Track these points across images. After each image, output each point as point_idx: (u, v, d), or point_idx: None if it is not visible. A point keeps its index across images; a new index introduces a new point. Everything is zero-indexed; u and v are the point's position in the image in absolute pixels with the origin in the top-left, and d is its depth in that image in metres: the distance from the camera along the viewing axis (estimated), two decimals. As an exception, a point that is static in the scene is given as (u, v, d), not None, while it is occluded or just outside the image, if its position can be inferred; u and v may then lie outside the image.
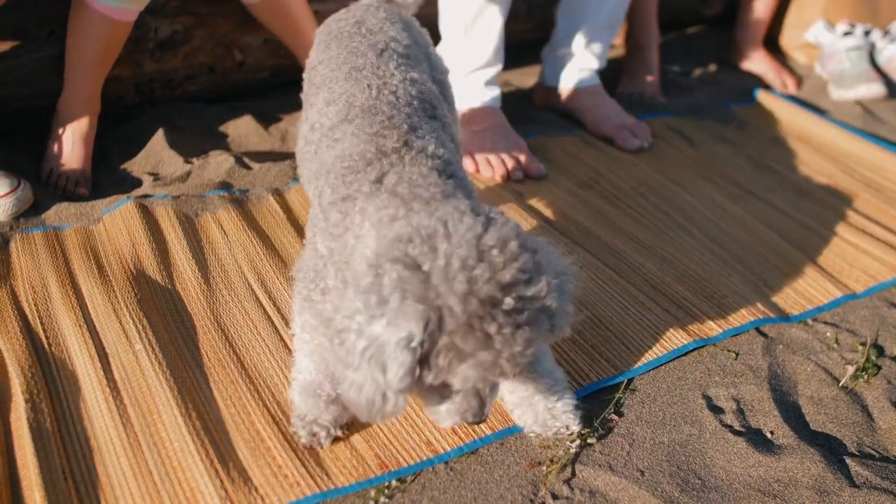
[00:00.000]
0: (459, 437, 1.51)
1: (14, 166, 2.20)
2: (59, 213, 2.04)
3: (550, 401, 1.53)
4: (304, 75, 1.79)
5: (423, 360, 1.16)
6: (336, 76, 1.60)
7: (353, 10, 1.81)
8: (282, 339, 1.71)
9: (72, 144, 2.22)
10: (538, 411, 1.53)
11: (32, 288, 1.77)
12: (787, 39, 3.48)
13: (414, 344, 1.14)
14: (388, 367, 1.15)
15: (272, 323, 1.74)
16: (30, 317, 1.70)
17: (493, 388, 1.27)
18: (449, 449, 1.49)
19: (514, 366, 1.17)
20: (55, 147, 2.23)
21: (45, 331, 1.67)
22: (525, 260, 1.17)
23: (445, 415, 1.27)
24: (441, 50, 2.56)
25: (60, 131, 2.24)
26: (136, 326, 1.67)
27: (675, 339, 1.79)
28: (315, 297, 1.39)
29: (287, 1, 2.43)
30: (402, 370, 1.15)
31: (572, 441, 1.53)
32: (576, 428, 1.54)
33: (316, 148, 1.51)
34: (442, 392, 1.25)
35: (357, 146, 1.39)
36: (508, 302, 1.14)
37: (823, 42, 3.25)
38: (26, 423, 1.45)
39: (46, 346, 1.64)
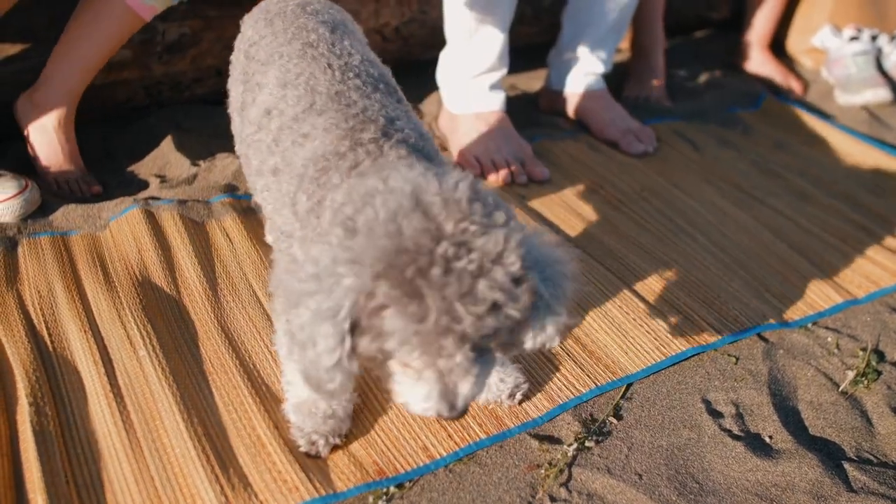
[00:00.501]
0: (455, 442, 1.52)
1: (23, 168, 2.23)
2: (67, 216, 2.06)
3: (500, 372, 1.58)
4: (238, 54, 1.71)
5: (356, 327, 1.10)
6: (287, 52, 1.52)
7: None
8: (284, 343, 1.72)
9: (62, 143, 2.22)
10: (491, 382, 1.57)
11: (38, 292, 1.79)
12: (793, 44, 3.48)
13: (342, 315, 1.08)
14: (317, 342, 1.11)
15: (274, 327, 1.76)
16: (35, 321, 1.72)
17: (464, 370, 1.14)
18: (445, 454, 1.50)
19: (475, 331, 1.07)
20: (41, 150, 2.22)
21: (50, 335, 1.69)
22: (476, 210, 1.09)
23: (410, 398, 1.18)
24: (446, 54, 2.58)
25: (41, 131, 2.22)
26: (141, 332, 1.69)
27: (675, 344, 1.80)
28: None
29: None
30: (329, 342, 1.10)
31: (570, 444, 1.54)
32: (524, 386, 1.60)
33: (275, 138, 1.42)
34: (406, 372, 1.16)
35: (330, 144, 1.32)
36: (445, 248, 1.05)
37: (830, 47, 3.25)
38: (30, 427, 1.46)
39: (51, 350, 1.65)
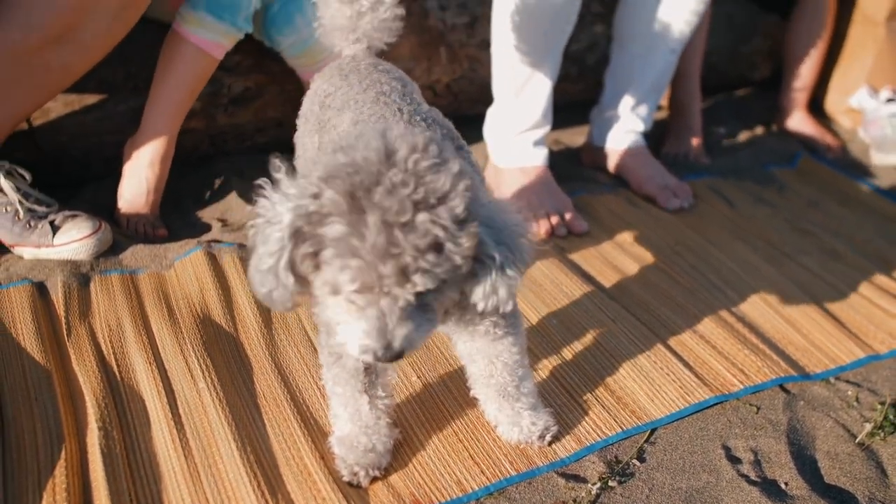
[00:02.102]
0: (487, 478, 1.64)
1: (99, 209, 2.40)
2: (135, 255, 2.22)
3: (532, 416, 1.71)
4: (311, 106, 1.77)
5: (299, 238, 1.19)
6: (362, 98, 1.60)
7: (360, 55, 1.84)
8: (331, 380, 1.86)
9: (145, 189, 2.37)
10: (523, 425, 1.70)
11: (108, 326, 1.95)
12: (832, 104, 3.57)
13: (285, 221, 1.18)
14: (258, 246, 1.22)
15: (323, 365, 1.90)
16: (105, 352, 1.87)
17: (405, 314, 1.20)
18: (478, 488, 1.62)
19: (414, 263, 1.13)
20: (127, 192, 2.38)
21: (118, 366, 1.84)
22: (432, 151, 1.17)
23: (350, 335, 1.23)
24: (493, 110, 2.73)
25: (131, 178, 2.38)
26: (201, 365, 1.84)
27: (699, 392, 1.90)
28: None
29: None
30: (269, 246, 1.20)
31: (594, 483, 1.65)
32: (554, 428, 1.73)
33: None
34: (349, 309, 1.22)
35: None
36: (393, 173, 1.13)
37: (866, 108, 3.34)
38: (98, 449, 1.61)
39: (119, 379, 1.80)
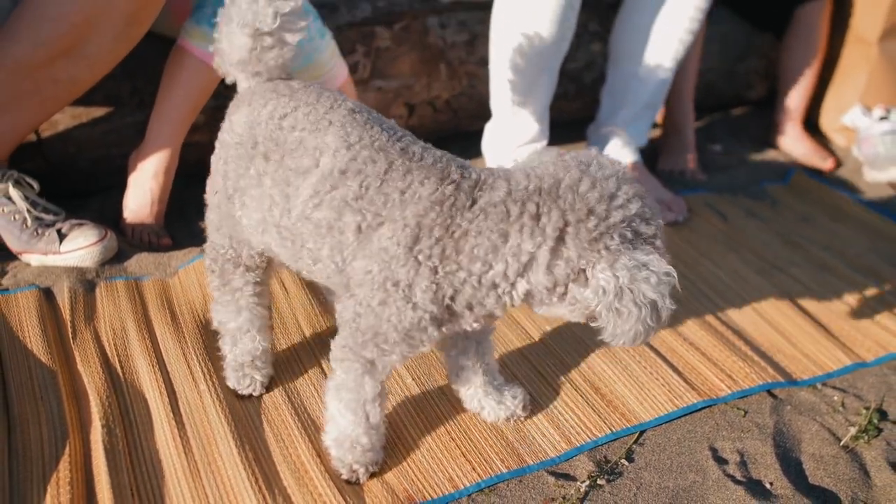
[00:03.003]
0: (478, 475, 1.69)
1: (106, 219, 2.47)
2: (140, 263, 2.27)
3: (509, 390, 1.85)
4: (249, 128, 1.68)
5: None
6: (338, 118, 1.61)
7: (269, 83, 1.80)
8: (329, 382, 1.91)
9: (149, 200, 2.43)
10: (507, 401, 1.83)
11: (113, 330, 2.00)
12: (826, 122, 3.63)
13: None
14: None
15: (322, 370, 1.95)
16: (109, 354, 1.93)
17: None
18: (469, 485, 1.66)
19: None
20: (132, 202, 2.44)
21: (122, 367, 1.90)
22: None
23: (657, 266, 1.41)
24: (491, 125, 2.79)
25: (137, 189, 2.44)
26: (202, 369, 1.89)
27: (688, 396, 1.94)
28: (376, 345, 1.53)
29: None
30: None
31: (583, 482, 1.70)
32: (526, 396, 1.87)
33: (358, 195, 1.52)
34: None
35: (434, 193, 1.48)
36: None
37: (860, 126, 3.40)
38: (101, 445, 1.66)
39: (123, 379, 1.86)
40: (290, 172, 1.58)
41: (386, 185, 1.48)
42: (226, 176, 1.72)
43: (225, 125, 1.76)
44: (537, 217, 1.39)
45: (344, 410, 1.63)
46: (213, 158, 1.79)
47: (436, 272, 1.44)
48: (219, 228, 1.78)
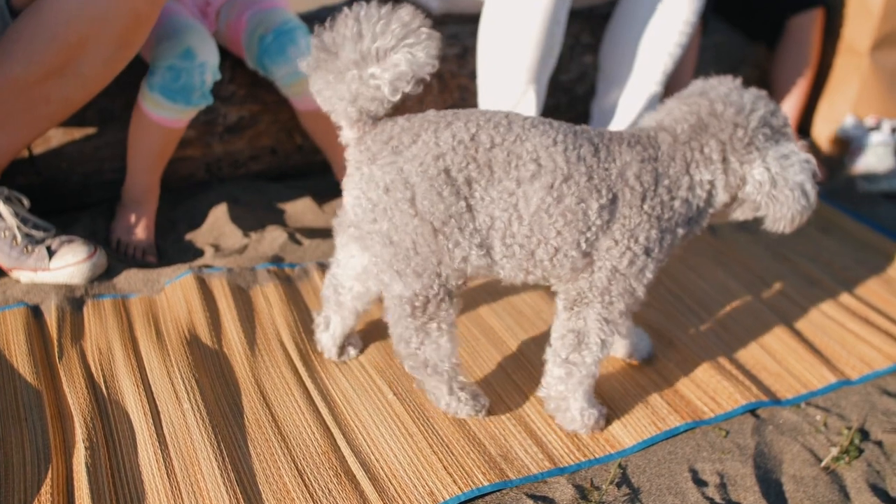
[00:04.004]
0: (459, 487, 1.71)
1: (98, 235, 2.50)
2: (129, 280, 2.29)
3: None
4: (423, 166, 1.68)
5: None
6: (533, 138, 1.73)
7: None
8: (312, 401, 1.92)
9: (135, 224, 2.49)
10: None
11: (99, 349, 2.02)
12: (818, 132, 3.63)
13: None
14: None
15: (305, 387, 1.96)
16: (95, 374, 1.94)
17: None
18: (448, 497, 1.68)
19: None
20: (121, 225, 2.51)
21: (107, 386, 1.91)
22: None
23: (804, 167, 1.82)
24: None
25: (125, 213, 2.51)
26: (186, 387, 1.90)
27: (671, 419, 1.95)
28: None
29: None
30: None
31: (562, 501, 1.72)
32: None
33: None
34: None
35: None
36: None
37: (852, 136, 3.40)
38: (84, 467, 1.68)
39: (108, 400, 1.87)
40: (512, 183, 1.68)
41: (602, 162, 1.70)
42: (422, 215, 1.67)
43: (376, 174, 1.69)
44: (702, 150, 1.73)
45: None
46: (381, 213, 1.70)
47: (660, 221, 1.73)
48: (421, 273, 1.71)
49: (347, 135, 1.76)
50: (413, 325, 1.77)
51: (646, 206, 1.70)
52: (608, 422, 1.93)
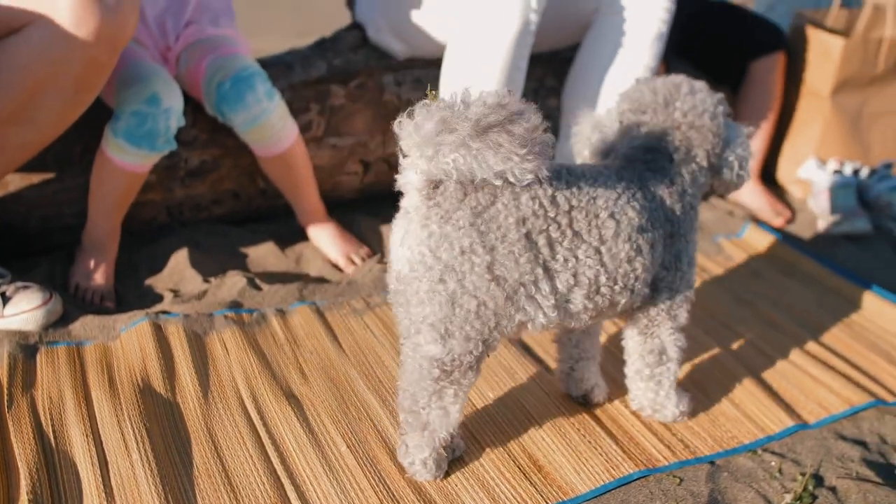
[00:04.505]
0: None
1: (55, 279, 2.49)
2: (85, 326, 2.27)
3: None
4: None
5: None
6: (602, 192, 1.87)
7: None
8: (264, 450, 1.90)
9: (95, 269, 2.48)
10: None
11: (50, 398, 2.00)
12: (782, 174, 3.66)
13: None
14: None
15: (258, 435, 1.94)
16: (44, 424, 1.92)
17: None
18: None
19: None
20: (80, 270, 2.49)
21: (55, 437, 1.89)
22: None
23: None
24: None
25: (85, 257, 2.50)
26: (136, 436, 1.88)
27: (624, 467, 1.94)
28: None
29: (294, 161, 2.69)
30: None
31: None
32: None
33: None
34: None
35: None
36: None
37: (814, 179, 3.43)
38: (28, 522, 1.66)
39: (55, 450, 1.85)
40: (596, 241, 1.74)
41: (650, 202, 1.87)
42: (498, 280, 1.63)
43: (452, 235, 1.61)
44: (696, 160, 1.94)
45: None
46: (451, 274, 1.62)
47: (689, 234, 1.96)
48: (472, 337, 1.66)
49: (413, 182, 1.65)
50: (432, 386, 1.73)
51: (682, 230, 1.93)
52: (562, 472, 1.92)
